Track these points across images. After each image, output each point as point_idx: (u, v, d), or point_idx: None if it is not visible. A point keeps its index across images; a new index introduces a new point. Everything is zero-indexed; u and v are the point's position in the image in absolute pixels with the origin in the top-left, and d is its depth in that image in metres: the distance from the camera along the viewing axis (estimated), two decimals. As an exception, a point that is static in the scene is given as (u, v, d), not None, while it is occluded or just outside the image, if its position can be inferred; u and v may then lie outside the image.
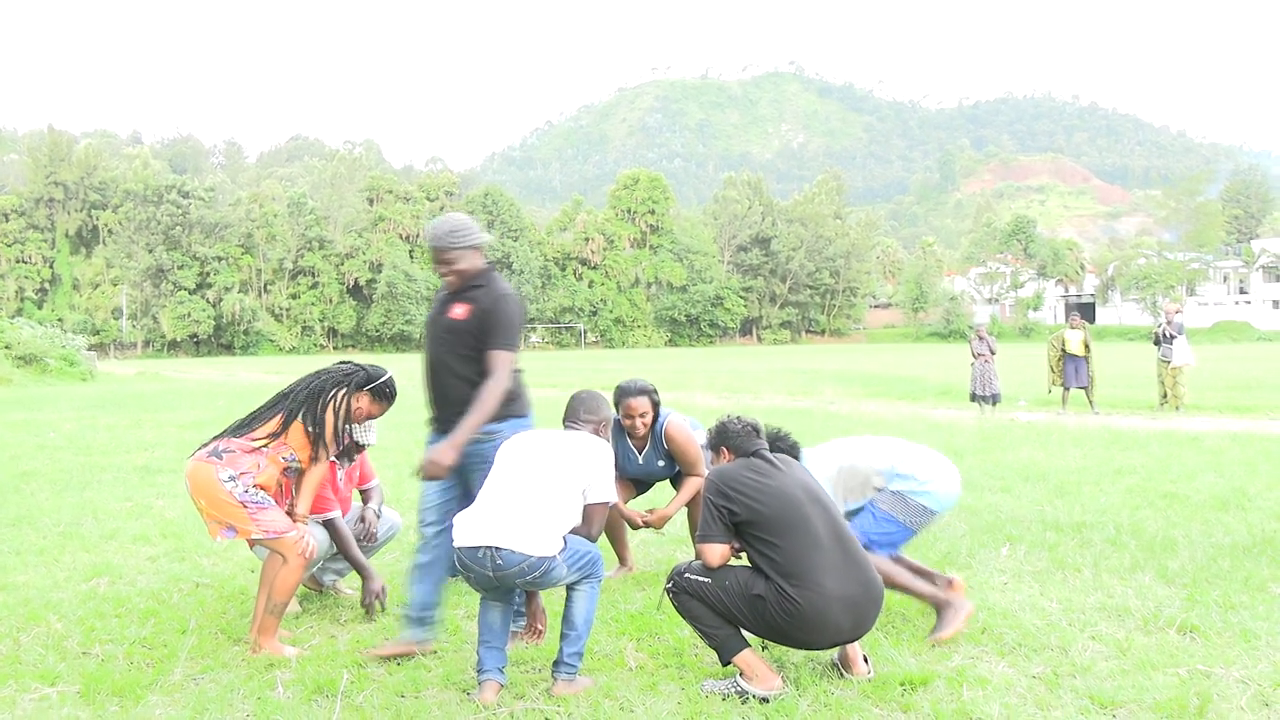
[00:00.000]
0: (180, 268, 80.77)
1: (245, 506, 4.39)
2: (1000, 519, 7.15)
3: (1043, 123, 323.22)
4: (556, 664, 3.94)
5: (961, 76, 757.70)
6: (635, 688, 3.95)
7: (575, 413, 4.44)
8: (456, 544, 3.89)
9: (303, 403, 4.61)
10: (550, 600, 4.92)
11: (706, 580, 3.88)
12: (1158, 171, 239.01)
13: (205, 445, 4.56)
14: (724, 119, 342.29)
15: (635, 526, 5.73)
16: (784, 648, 4.37)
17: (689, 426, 5.68)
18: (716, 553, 3.88)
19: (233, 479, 4.41)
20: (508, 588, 3.94)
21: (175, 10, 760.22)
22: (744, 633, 3.91)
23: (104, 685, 3.99)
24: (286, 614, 5.02)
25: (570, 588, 3.99)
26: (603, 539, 5.97)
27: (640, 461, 5.70)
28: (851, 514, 4.80)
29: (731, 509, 3.87)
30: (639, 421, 5.50)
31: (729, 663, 3.89)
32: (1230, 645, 4.33)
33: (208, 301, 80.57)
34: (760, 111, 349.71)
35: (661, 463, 5.68)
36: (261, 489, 4.47)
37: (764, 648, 4.28)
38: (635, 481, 5.89)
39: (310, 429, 4.59)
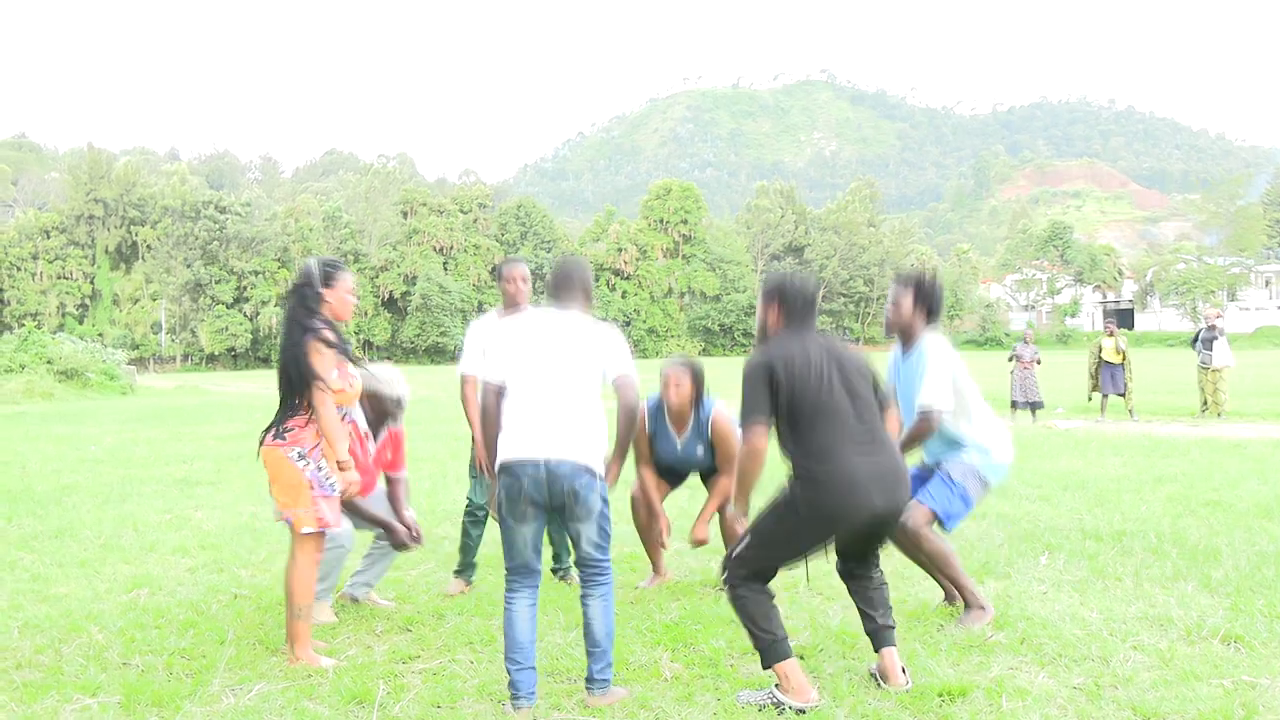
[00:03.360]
0: (218, 282, 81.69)
1: (312, 488, 4.41)
2: (1039, 528, 7.08)
3: (1078, 127, 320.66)
4: (589, 680, 3.92)
5: (995, 82, 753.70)
6: (670, 698, 3.93)
7: (562, 285, 4.16)
8: (505, 460, 3.88)
9: (299, 363, 4.45)
10: (578, 605, 4.91)
11: (747, 540, 3.91)
12: (1196, 175, 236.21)
13: (269, 428, 4.54)
14: (756, 128, 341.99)
15: (660, 543, 5.77)
16: (823, 657, 4.35)
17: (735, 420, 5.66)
18: (761, 432, 3.84)
19: (302, 457, 4.42)
20: (548, 506, 3.87)
21: (212, 29, 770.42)
22: (788, 643, 3.88)
23: (144, 696, 4.02)
24: (323, 625, 5.05)
25: (583, 601, 3.95)
26: (638, 545, 5.98)
27: (679, 447, 5.68)
28: (921, 477, 4.95)
29: (776, 389, 3.86)
30: (674, 391, 5.56)
31: (770, 668, 3.86)
32: (1276, 655, 4.25)
33: (245, 315, 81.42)
34: (792, 120, 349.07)
35: (701, 450, 5.66)
36: (329, 466, 4.48)
37: (812, 643, 4.26)
38: (669, 472, 5.87)
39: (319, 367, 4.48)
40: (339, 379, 4.54)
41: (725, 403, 5.74)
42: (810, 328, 4.08)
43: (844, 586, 4.26)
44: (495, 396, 4.01)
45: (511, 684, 3.87)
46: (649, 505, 5.76)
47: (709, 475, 5.85)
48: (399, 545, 5.24)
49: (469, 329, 5.86)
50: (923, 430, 4.77)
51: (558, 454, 3.81)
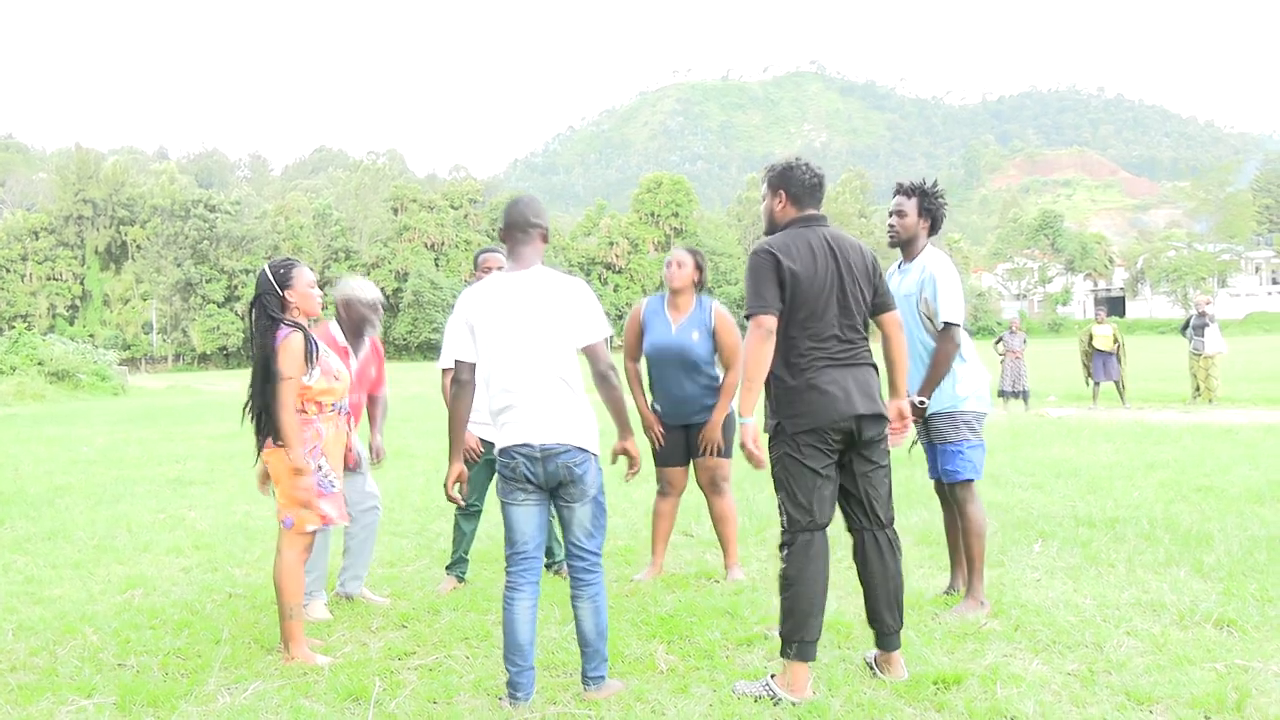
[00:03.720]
0: (208, 281, 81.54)
1: (313, 488, 4.43)
2: (1032, 515, 7.10)
3: (1068, 116, 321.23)
4: (584, 678, 3.92)
5: (984, 71, 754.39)
6: (666, 690, 3.94)
7: (524, 221, 3.98)
8: (500, 446, 3.88)
9: (265, 367, 4.42)
10: (557, 594, 4.92)
11: (779, 502, 3.96)
12: (1186, 163, 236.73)
13: (265, 433, 4.50)
14: (746, 120, 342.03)
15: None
16: (819, 647, 4.36)
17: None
18: (771, 319, 3.83)
19: (304, 457, 4.43)
20: (545, 485, 3.86)
21: (198, 27, 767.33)
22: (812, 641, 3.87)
23: (139, 696, 4.01)
24: (318, 622, 5.06)
25: (573, 602, 3.93)
26: (635, 540, 5.97)
27: (674, 330, 5.59)
28: (938, 445, 4.97)
29: (782, 281, 3.86)
30: (676, 271, 5.59)
31: (786, 655, 3.83)
32: (1268, 639, 4.27)
33: (236, 314, 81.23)
34: (782, 112, 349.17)
35: (696, 335, 5.54)
36: (329, 463, 4.51)
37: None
38: (670, 430, 5.75)
39: (313, 364, 4.49)
40: (321, 376, 4.54)
41: (730, 318, 5.68)
42: (817, 216, 4.09)
43: (842, 576, 4.25)
44: (469, 372, 3.97)
45: (510, 684, 3.86)
46: (670, 499, 5.80)
47: (693, 443, 5.75)
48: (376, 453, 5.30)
49: (447, 323, 5.85)
50: (948, 348, 4.77)
51: (550, 437, 3.80)
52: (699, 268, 5.67)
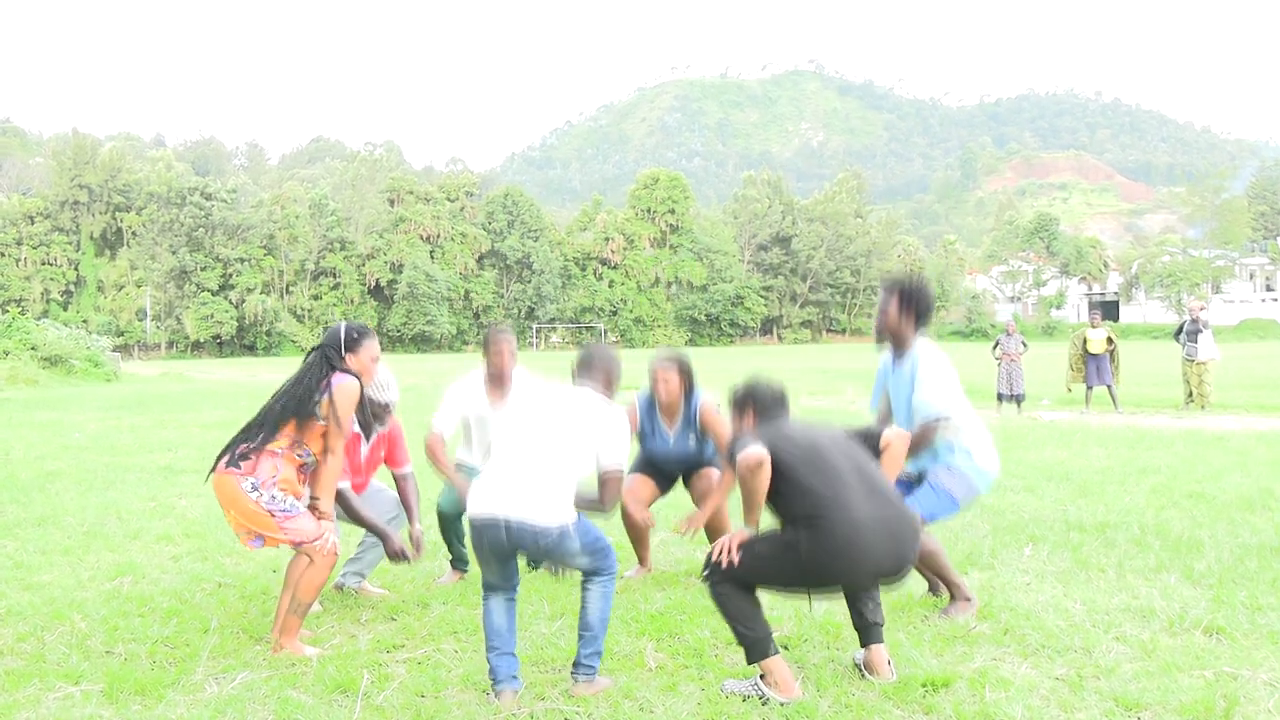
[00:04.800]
0: (203, 269, 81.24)
1: (274, 515, 4.36)
2: (1023, 519, 7.11)
3: (1065, 119, 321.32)
4: (575, 665, 3.93)
5: (982, 73, 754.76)
6: (655, 688, 3.94)
7: (586, 366, 4.21)
8: (470, 514, 3.88)
9: (300, 400, 4.49)
10: (564, 594, 4.92)
11: (740, 556, 3.85)
12: (1182, 168, 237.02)
13: (223, 454, 4.50)
14: (743, 118, 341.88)
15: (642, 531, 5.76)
16: (807, 648, 4.36)
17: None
18: (758, 453, 3.74)
19: (256, 488, 4.37)
20: (519, 556, 3.92)
21: (197, 13, 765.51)
22: (773, 641, 3.88)
23: (127, 684, 4.01)
24: (308, 614, 5.04)
25: (584, 586, 3.98)
26: (624, 538, 5.98)
27: (671, 442, 5.68)
28: (908, 483, 4.93)
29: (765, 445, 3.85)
30: (662, 388, 5.59)
31: (754, 664, 3.86)
32: (1257, 647, 4.28)
33: (230, 303, 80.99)
34: (780, 110, 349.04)
35: (693, 442, 5.66)
36: (286, 492, 4.44)
37: (797, 634, 4.26)
38: (658, 475, 5.87)
39: (319, 420, 4.50)
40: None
41: (712, 394, 5.75)
42: (784, 420, 4.11)
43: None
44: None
45: (491, 670, 3.89)
46: (630, 516, 5.79)
47: (690, 477, 5.84)
48: (392, 555, 5.12)
49: (450, 387, 5.83)
50: (925, 438, 4.74)
51: (517, 514, 3.76)
52: (685, 376, 5.66)
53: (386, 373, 5.34)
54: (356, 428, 5.31)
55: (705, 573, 3.98)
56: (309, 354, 4.68)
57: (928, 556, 4.86)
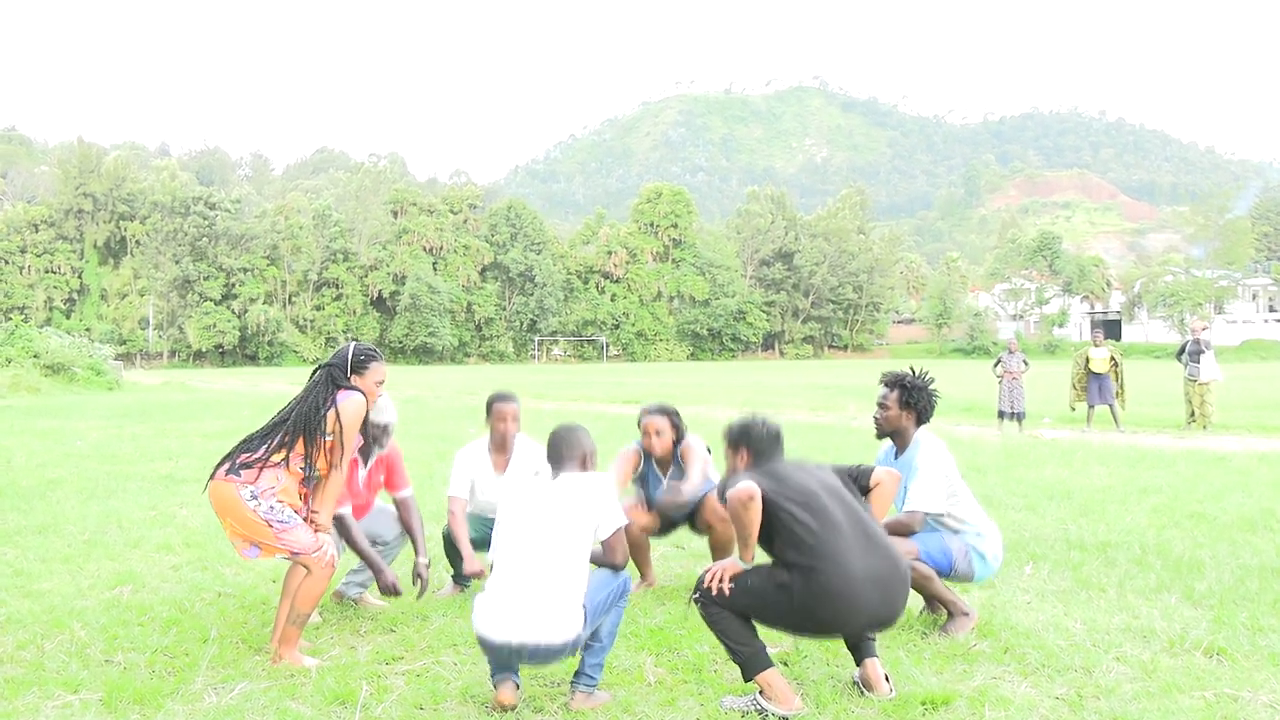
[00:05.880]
0: (206, 279, 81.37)
1: (271, 526, 4.35)
2: (1024, 537, 7.10)
3: (1069, 138, 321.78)
4: (577, 675, 3.93)
5: (986, 91, 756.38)
6: (654, 703, 3.93)
7: (558, 454, 4.21)
8: (479, 633, 3.83)
9: (306, 418, 4.49)
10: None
11: (734, 586, 3.86)
12: (1185, 188, 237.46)
13: (223, 462, 4.51)
14: (747, 133, 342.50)
15: (649, 530, 5.78)
16: (807, 664, 4.36)
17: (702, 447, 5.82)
18: (749, 488, 3.76)
19: (255, 497, 4.36)
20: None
21: (203, 24, 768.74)
22: (769, 653, 3.89)
23: (126, 693, 4.00)
24: (307, 625, 5.04)
25: None
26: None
27: (665, 487, 5.74)
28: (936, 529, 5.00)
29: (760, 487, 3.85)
30: (655, 440, 5.65)
31: (751, 679, 3.86)
32: (1258, 668, 4.27)
33: (233, 312, 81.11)
34: (784, 126, 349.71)
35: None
36: (285, 504, 4.43)
37: (795, 649, 4.26)
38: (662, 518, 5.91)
39: (325, 437, 4.51)
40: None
41: (698, 438, 5.86)
42: (780, 459, 4.11)
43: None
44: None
45: (493, 667, 3.91)
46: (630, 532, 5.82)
47: (697, 519, 5.86)
48: (384, 589, 5.09)
49: (458, 455, 5.95)
50: (906, 528, 4.79)
51: (532, 639, 3.74)
52: (675, 426, 5.73)
53: (384, 396, 5.36)
54: (354, 452, 5.31)
55: (695, 595, 3.98)
56: (315, 372, 4.69)
57: (920, 582, 4.84)
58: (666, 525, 5.97)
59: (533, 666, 3.99)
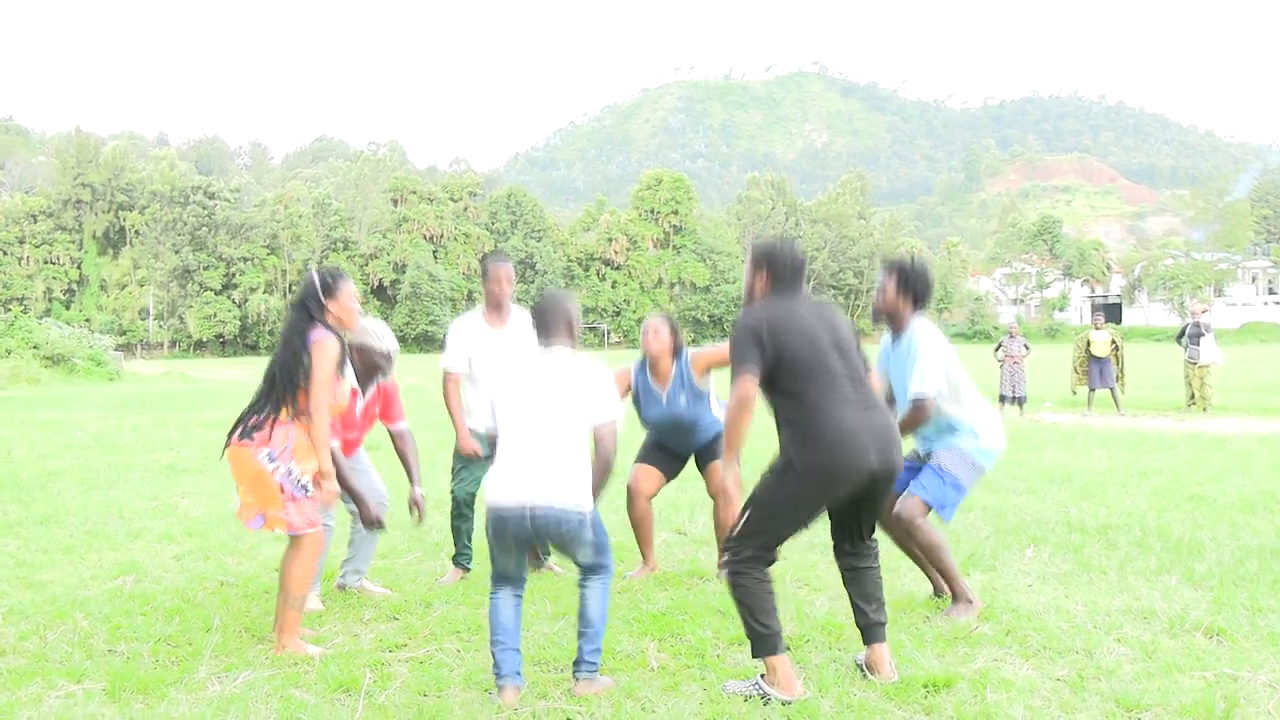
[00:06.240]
0: (206, 268, 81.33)
1: (283, 491, 4.37)
2: (1025, 521, 7.11)
3: (1069, 122, 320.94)
4: (577, 663, 3.94)
5: (986, 76, 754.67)
6: (657, 688, 3.94)
7: (544, 322, 4.18)
8: (491, 503, 3.88)
9: (289, 369, 4.45)
10: (566, 594, 4.91)
11: (747, 514, 3.89)
12: (1185, 171, 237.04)
13: (235, 428, 4.50)
14: (747, 119, 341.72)
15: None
16: (809, 649, 4.37)
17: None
18: (750, 380, 3.82)
19: (272, 459, 4.38)
20: (536, 545, 3.95)
21: (201, 13, 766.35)
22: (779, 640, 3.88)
23: (129, 683, 4.02)
24: (310, 613, 5.05)
25: (581, 584, 4.00)
26: (629, 537, 5.99)
27: (664, 402, 5.71)
28: (912, 468, 5.00)
29: (764, 345, 3.86)
30: (652, 339, 5.68)
31: (759, 658, 3.86)
32: (1258, 649, 4.29)
33: (233, 302, 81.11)
34: (784, 111, 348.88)
35: (684, 399, 5.67)
36: (302, 465, 4.43)
37: (798, 634, 4.27)
38: (664, 458, 5.90)
39: (341, 375, 4.50)
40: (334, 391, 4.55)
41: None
42: (798, 293, 4.09)
43: (833, 577, 4.26)
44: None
45: (495, 664, 3.90)
46: (635, 508, 5.85)
47: (704, 467, 5.87)
48: (367, 522, 5.10)
49: (452, 326, 5.91)
50: (917, 418, 4.76)
51: (543, 500, 3.80)
52: (674, 333, 5.75)
53: (380, 324, 5.39)
54: (354, 382, 5.33)
55: (723, 560, 3.97)
56: (289, 310, 4.64)
57: (930, 550, 4.87)
58: (670, 466, 5.93)
59: (547, 544, 3.95)
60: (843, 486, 3.84)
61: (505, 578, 4.01)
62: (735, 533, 3.93)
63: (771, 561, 3.92)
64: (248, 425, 4.45)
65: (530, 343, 4.17)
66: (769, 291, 4.10)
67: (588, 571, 4.00)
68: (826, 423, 3.79)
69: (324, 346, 4.44)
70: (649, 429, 5.92)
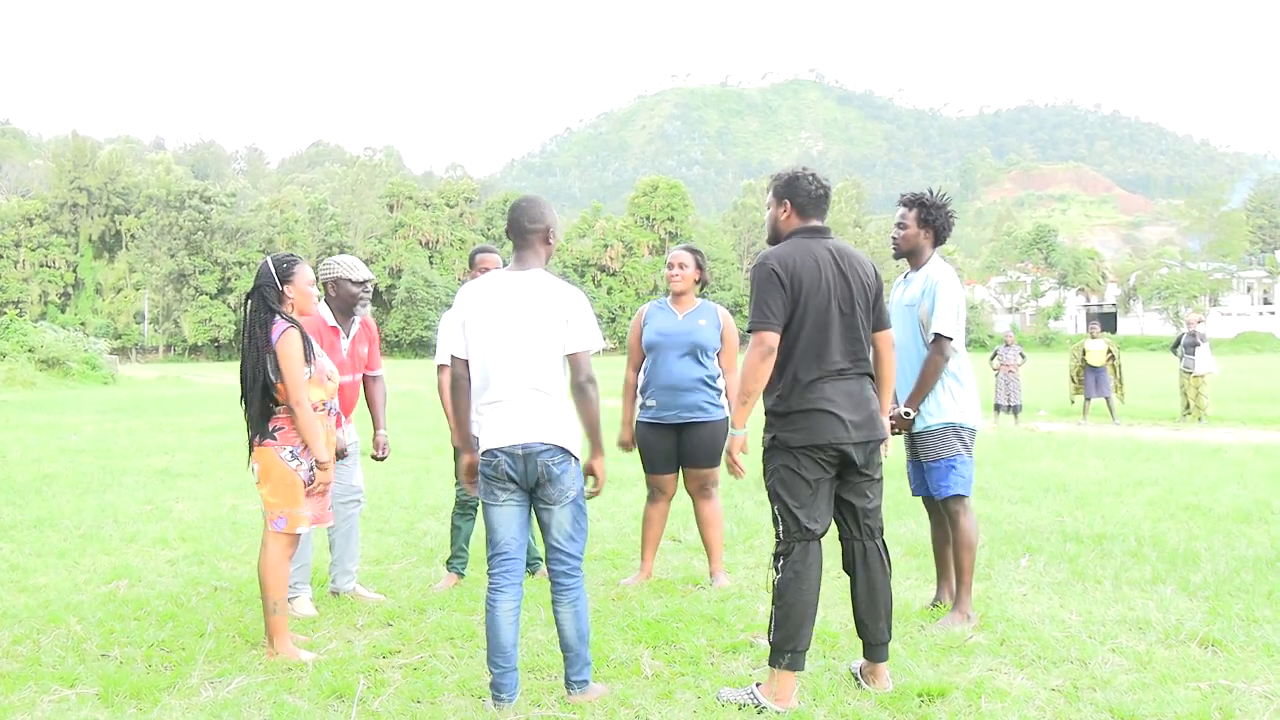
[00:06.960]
0: (202, 273, 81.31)
1: (304, 486, 4.45)
2: (1020, 529, 7.11)
3: (1064, 131, 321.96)
4: (567, 683, 3.90)
5: (982, 85, 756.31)
6: (651, 695, 3.93)
7: (519, 227, 3.97)
8: (491, 447, 3.84)
9: (262, 365, 4.41)
10: (543, 595, 4.90)
11: (773, 506, 3.92)
12: (1180, 181, 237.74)
13: (252, 431, 4.48)
14: (743, 126, 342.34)
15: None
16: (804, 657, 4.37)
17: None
18: (772, 336, 3.82)
19: (295, 457, 4.43)
20: (525, 484, 3.84)
21: (198, 17, 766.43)
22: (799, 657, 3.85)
23: (122, 687, 4.00)
24: (304, 618, 5.04)
25: (553, 605, 3.89)
26: (623, 544, 5.97)
27: (680, 318, 5.61)
28: (917, 471, 5.02)
29: (785, 288, 3.84)
30: (678, 273, 5.60)
31: (775, 668, 3.83)
32: (1253, 659, 4.28)
33: (229, 306, 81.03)
34: (780, 119, 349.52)
35: (703, 322, 5.58)
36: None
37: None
38: (666, 465, 5.76)
39: (310, 363, 4.50)
40: (316, 375, 4.53)
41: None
42: (821, 228, 4.06)
43: (829, 587, 4.23)
44: (463, 367, 3.94)
45: (494, 685, 3.85)
46: (659, 503, 5.80)
47: (687, 453, 5.68)
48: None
49: (441, 320, 5.87)
50: (937, 359, 4.75)
51: (532, 436, 3.80)
52: (700, 268, 5.67)
53: (351, 258, 5.42)
54: (333, 321, 5.34)
55: (778, 549, 3.91)
56: (246, 299, 4.61)
57: (966, 548, 4.82)
58: (670, 463, 5.77)
59: (530, 473, 3.82)
60: (830, 442, 3.84)
61: (505, 555, 3.88)
62: (776, 536, 3.91)
63: (815, 536, 3.87)
64: (269, 427, 4.45)
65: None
66: (794, 223, 4.06)
67: (558, 574, 3.87)
68: (803, 398, 3.84)
69: (286, 344, 4.42)
70: (648, 349, 5.65)
